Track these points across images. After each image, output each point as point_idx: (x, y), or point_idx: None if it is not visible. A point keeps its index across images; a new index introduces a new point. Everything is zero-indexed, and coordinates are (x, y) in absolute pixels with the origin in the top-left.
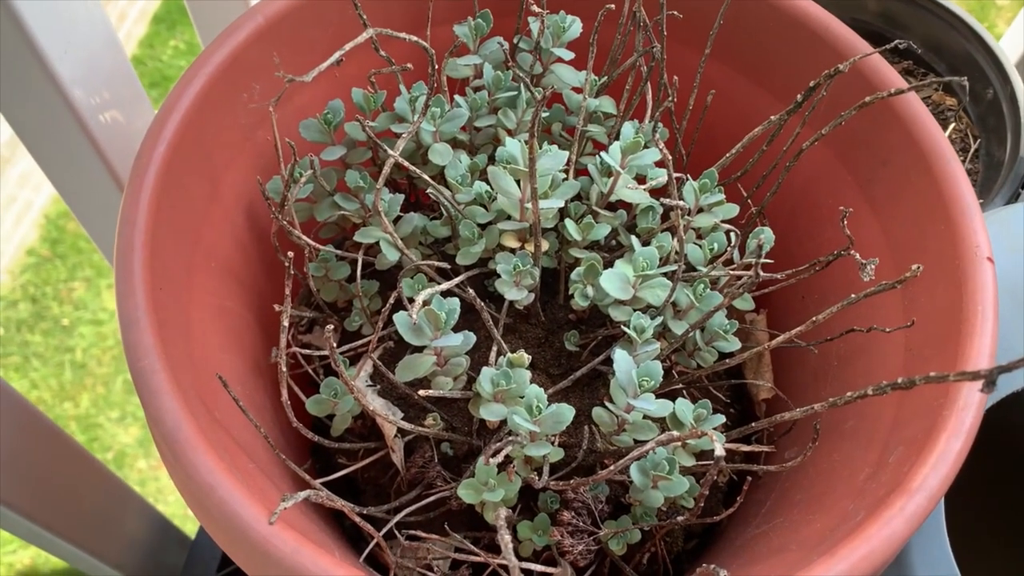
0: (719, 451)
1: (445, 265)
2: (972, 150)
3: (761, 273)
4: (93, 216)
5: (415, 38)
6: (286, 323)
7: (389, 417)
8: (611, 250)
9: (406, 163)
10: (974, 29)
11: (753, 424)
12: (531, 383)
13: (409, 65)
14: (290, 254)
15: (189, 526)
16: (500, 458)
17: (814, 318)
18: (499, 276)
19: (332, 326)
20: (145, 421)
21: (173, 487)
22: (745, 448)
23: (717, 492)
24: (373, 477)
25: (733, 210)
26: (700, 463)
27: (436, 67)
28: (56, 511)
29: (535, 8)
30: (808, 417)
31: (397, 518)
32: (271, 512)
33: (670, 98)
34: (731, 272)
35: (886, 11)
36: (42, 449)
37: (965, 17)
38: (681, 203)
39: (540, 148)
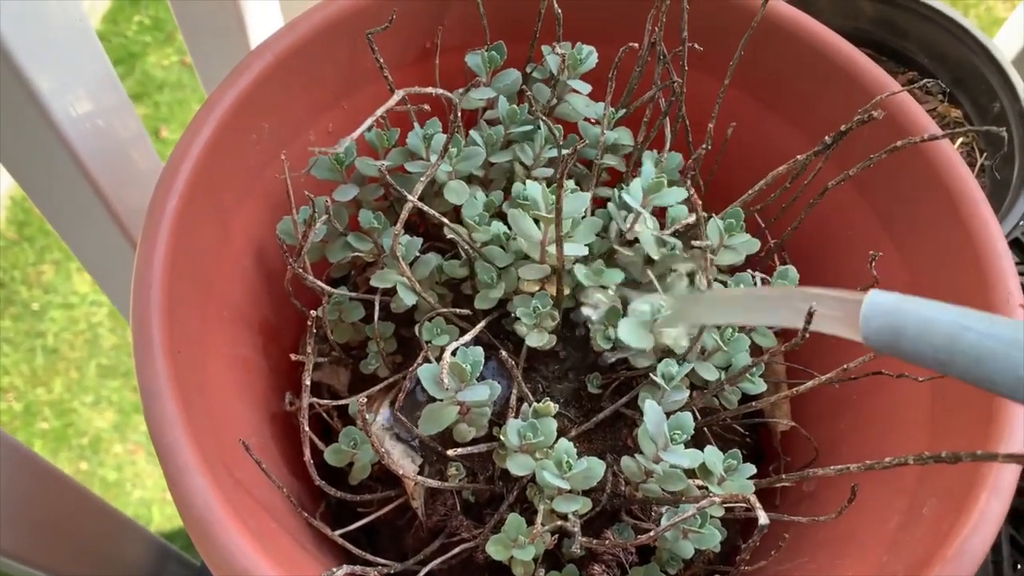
0: (763, 520)
1: (467, 311)
2: (978, 165)
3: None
4: (57, 207)
5: (443, 92)
6: (308, 381)
7: (409, 473)
8: (636, 283)
9: (425, 207)
10: (978, 39)
11: (784, 476)
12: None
13: (426, 106)
14: (312, 313)
15: (176, 522)
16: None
17: (845, 366)
18: (518, 319)
19: (365, 400)
20: (120, 405)
21: (150, 472)
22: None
23: (735, 523)
24: (389, 518)
25: (755, 245)
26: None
27: (458, 114)
28: (48, 549)
29: (557, 47)
30: (827, 448)
31: (426, 569)
32: None
33: (703, 145)
34: None
35: (884, 17)
36: (33, 487)
37: (967, 26)
38: (709, 242)
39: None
